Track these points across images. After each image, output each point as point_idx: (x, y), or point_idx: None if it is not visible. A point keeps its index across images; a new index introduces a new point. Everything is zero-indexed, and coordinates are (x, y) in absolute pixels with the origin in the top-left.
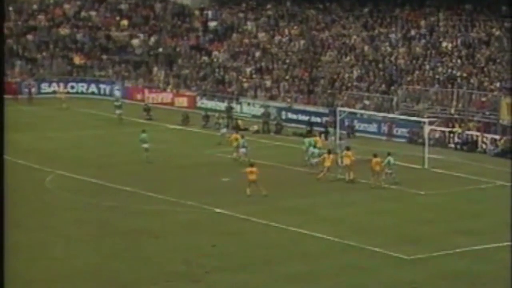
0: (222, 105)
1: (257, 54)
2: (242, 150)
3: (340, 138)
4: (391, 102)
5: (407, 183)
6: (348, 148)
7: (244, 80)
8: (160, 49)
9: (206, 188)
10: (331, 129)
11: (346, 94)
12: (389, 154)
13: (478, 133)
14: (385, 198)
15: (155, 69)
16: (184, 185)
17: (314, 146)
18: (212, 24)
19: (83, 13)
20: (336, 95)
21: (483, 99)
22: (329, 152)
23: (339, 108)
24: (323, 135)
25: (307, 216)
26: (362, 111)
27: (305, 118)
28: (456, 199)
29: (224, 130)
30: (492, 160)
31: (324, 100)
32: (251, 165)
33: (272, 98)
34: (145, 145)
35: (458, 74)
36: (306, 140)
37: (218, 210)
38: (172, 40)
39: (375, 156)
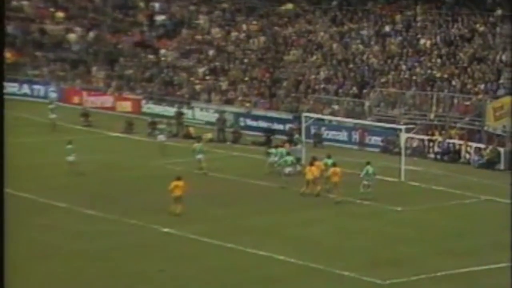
0: (171, 110)
1: (211, 52)
2: (199, 156)
3: (296, 144)
4: (363, 107)
5: (381, 198)
6: (314, 159)
7: (196, 82)
8: (100, 47)
9: (153, 204)
10: (298, 137)
11: (312, 98)
12: (368, 163)
13: (461, 142)
14: (357, 215)
15: (95, 68)
16: (128, 201)
17: (288, 154)
18: (159, 18)
19: (14, 3)
20: (301, 99)
21: (467, 103)
22: (312, 163)
23: (304, 114)
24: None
25: (269, 236)
26: (331, 117)
27: (266, 125)
28: (437, 216)
29: (162, 137)
30: (476, 171)
31: (288, 104)
32: (178, 178)
33: (228, 102)
34: (70, 158)
35: (438, 75)
36: (275, 151)
37: (166, 229)
38: (114, 36)
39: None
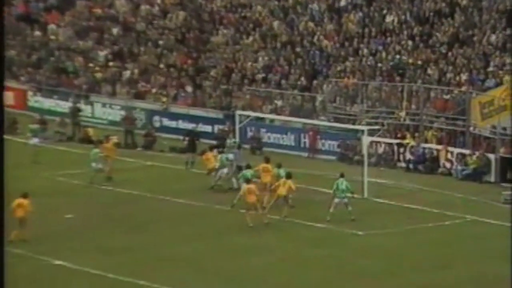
0: (65, 106)
1: (115, 31)
2: (96, 166)
3: (222, 150)
4: (314, 102)
5: (339, 218)
6: (248, 167)
7: (97, 69)
8: None
9: (42, 229)
10: (231, 141)
11: (248, 92)
12: (341, 175)
13: (439, 147)
14: (309, 241)
15: None
16: (9, 224)
17: (248, 167)
18: None
19: None
20: (234, 92)
21: (446, 97)
22: (289, 176)
23: (238, 112)
24: (215, 150)
25: (194, 270)
26: (273, 116)
27: (189, 126)
28: (410, 241)
29: (35, 141)
30: (460, 184)
31: (217, 99)
32: (24, 195)
33: (138, 96)
34: None
35: (410, 61)
36: (224, 156)
37: (58, 262)
38: None
39: (267, 161)
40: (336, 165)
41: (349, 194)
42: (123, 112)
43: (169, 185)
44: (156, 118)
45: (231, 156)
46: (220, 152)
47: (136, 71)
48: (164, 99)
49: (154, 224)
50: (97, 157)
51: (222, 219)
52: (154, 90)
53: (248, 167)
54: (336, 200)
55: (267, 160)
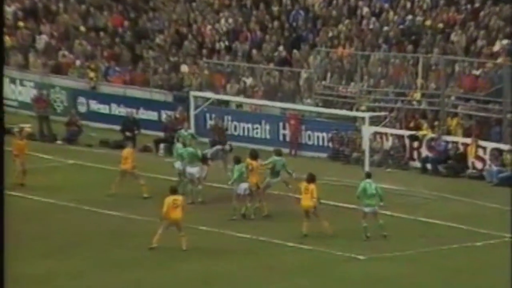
0: None
1: None
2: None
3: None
4: (298, 80)
5: (332, 237)
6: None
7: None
8: None
9: None
10: (184, 133)
11: (207, 66)
12: (368, 175)
13: (467, 140)
14: (292, 268)
15: None
16: None
17: (238, 162)
18: None
19: None
20: (187, 66)
21: (476, 72)
22: (312, 178)
23: (193, 93)
24: (162, 146)
25: None
26: (241, 99)
27: (126, 111)
28: (425, 269)
29: None
30: (495, 191)
31: (164, 76)
32: None
33: (57, 70)
34: None
35: (427, 23)
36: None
37: None
38: None
39: (254, 157)
40: (326, 165)
41: (379, 202)
42: (35, 91)
43: (99, 192)
44: (82, 100)
45: (177, 164)
46: (168, 148)
47: (53, 34)
48: (92, 74)
49: (78, 246)
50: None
51: (172, 239)
52: (78, 62)
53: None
54: (367, 209)
55: (254, 156)
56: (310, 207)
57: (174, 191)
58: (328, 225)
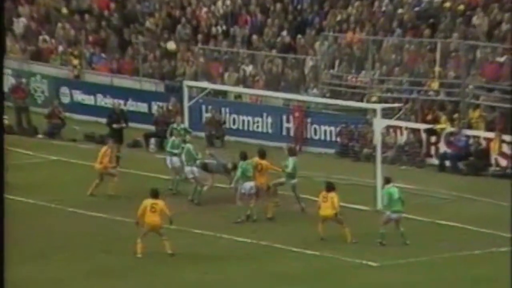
0: None
1: None
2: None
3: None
4: (302, 68)
5: (342, 242)
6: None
7: None
8: None
9: None
10: (177, 128)
11: (202, 52)
12: (388, 180)
13: (490, 134)
14: (296, 277)
15: None
16: None
17: (244, 158)
18: None
19: None
20: (180, 53)
21: (500, 59)
22: (331, 187)
23: (187, 83)
24: (153, 141)
25: None
26: (240, 89)
27: (112, 102)
28: (444, 277)
29: None
30: None
31: (155, 64)
32: None
33: (38, 57)
34: None
35: (446, 5)
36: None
37: None
38: None
39: (262, 155)
40: (334, 162)
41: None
42: (13, 80)
43: (84, 192)
44: (65, 90)
45: (175, 160)
46: (161, 143)
47: (34, 17)
48: (76, 61)
49: (60, 250)
50: None
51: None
52: (60, 48)
53: (234, 167)
54: (394, 215)
55: (262, 155)
56: (330, 216)
57: (155, 194)
58: (349, 232)
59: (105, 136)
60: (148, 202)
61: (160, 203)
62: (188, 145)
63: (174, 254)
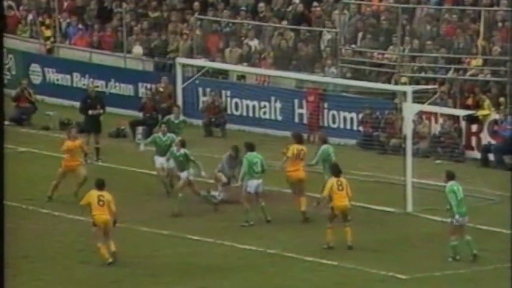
0: None
1: None
2: None
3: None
4: (319, 43)
5: (364, 250)
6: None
7: None
8: None
9: None
10: (175, 121)
11: (199, 24)
12: (452, 176)
13: None
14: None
15: None
16: None
17: (251, 149)
18: None
19: None
20: (172, 24)
21: None
22: (337, 170)
23: (180, 60)
24: (140, 129)
25: None
26: (244, 69)
27: (88, 82)
28: None
29: None
30: None
31: (142, 37)
32: None
33: (5, 29)
34: None
35: None
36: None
37: None
38: None
39: (299, 140)
40: (355, 155)
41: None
42: None
43: (60, 190)
44: (35, 67)
45: (171, 163)
46: (149, 132)
47: None
48: (49, 33)
49: (32, 260)
50: None
51: (150, 252)
52: (30, 17)
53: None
54: (461, 219)
55: (299, 138)
56: (348, 208)
57: (100, 185)
58: (351, 232)
59: (74, 125)
60: (95, 194)
61: (106, 195)
62: (184, 151)
63: (116, 260)
